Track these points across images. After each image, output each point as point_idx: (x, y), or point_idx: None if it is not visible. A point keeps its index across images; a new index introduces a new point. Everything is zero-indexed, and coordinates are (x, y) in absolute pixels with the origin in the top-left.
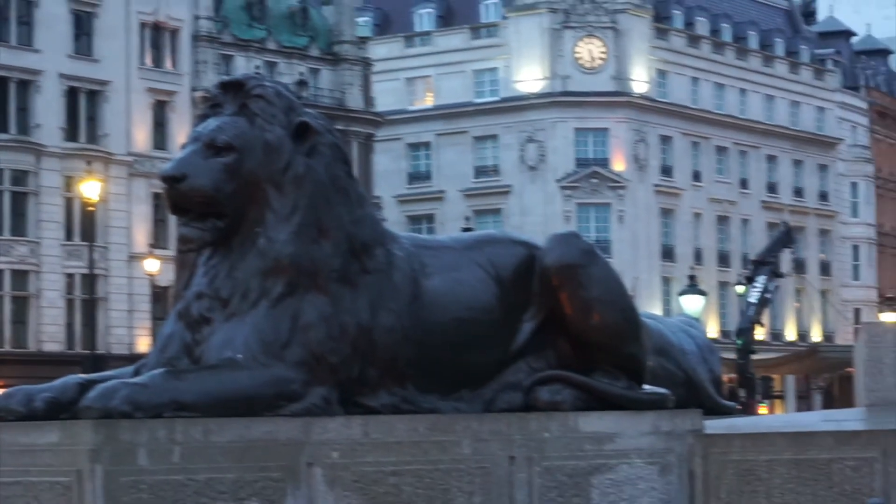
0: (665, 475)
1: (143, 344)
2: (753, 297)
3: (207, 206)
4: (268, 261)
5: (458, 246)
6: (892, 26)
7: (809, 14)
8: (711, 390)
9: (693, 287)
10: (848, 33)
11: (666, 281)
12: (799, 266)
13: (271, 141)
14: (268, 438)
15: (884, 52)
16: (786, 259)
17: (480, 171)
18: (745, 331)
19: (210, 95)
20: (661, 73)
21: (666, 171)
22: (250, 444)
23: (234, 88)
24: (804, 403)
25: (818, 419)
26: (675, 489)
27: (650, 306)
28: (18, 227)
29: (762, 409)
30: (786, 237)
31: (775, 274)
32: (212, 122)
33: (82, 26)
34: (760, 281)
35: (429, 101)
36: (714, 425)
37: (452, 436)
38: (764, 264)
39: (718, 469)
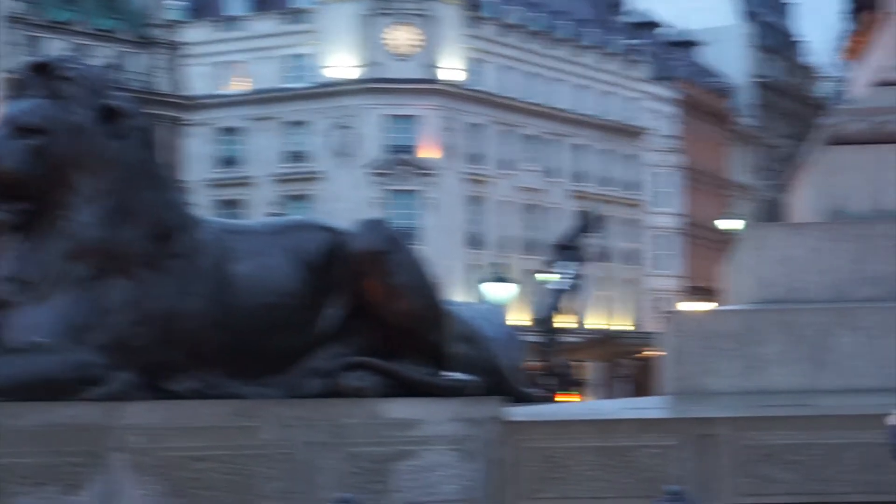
0: (468, 462)
1: None
2: (557, 284)
3: (14, 189)
4: (73, 244)
5: (265, 231)
6: (701, 18)
7: (620, 4)
8: (515, 378)
9: (499, 275)
10: (658, 24)
11: (474, 269)
12: (606, 255)
13: (79, 123)
14: (70, 423)
15: (693, 44)
16: (593, 247)
17: (291, 157)
18: (549, 318)
19: (18, 77)
20: (473, 62)
21: (475, 158)
22: (52, 428)
23: (42, 70)
24: (609, 391)
25: (622, 407)
26: (478, 476)
27: (458, 294)
28: None
29: (568, 397)
30: (587, 222)
31: (579, 260)
32: (19, 105)
33: None
34: (563, 267)
35: (240, 86)
36: (518, 412)
37: (256, 421)
38: (566, 249)
39: (522, 456)
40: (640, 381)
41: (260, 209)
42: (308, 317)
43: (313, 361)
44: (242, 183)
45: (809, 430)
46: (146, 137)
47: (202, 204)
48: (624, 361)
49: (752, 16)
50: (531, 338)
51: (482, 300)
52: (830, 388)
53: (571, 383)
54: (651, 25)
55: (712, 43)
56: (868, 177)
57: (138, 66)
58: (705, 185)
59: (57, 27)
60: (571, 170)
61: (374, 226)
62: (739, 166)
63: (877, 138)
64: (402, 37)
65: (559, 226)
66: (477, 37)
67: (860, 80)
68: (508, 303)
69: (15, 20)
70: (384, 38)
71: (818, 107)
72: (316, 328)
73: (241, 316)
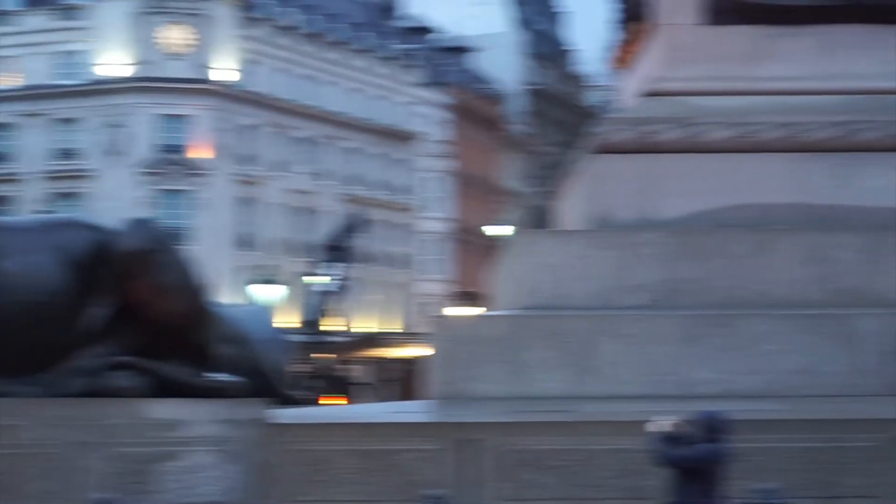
0: (230, 464)
1: None
2: (324, 286)
3: None
4: None
5: (31, 228)
6: (474, 24)
7: (393, 9)
8: (280, 379)
9: (267, 277)
10: (431, 30)
11: (243, 270)
12: (376, 258)
13: None
14: None
15: (466, 50)
16: (363, 251)
17: (61, 154)
18: (316, 320)
19: None
20: (246, 62)
21: (247, 159)
22: None
23: None
24: (377, 394)
25: (386, 410)
26: (240, 478)
27: (226, 295)
28: None
29: (334, 400)
30: (353, 224)
31: (345, 262)
32: None
33: None
34: (329, 268)
35: (10, 82)
36: (282, 414)
37: (16, 419)
38: (332, 250)
39: (284, 458)
40: (407, 385)
41: (29, 206)
42: (72, 315)
43: (77, 360)
44: (11, 179)
45: (570, 436)
46: None
47: None
48: (391, 365)
49: (524, 23)
50: (298, 339)
51: (250, 302)
52: (594, 394)
53: (338, 385)
54: (424, 31)
55: (485, 49)
56: (634, 186)
57: None
58: (476, 190)
59: None
60: (343, 173)
61: (141, 225)
62: (510, 173)
63: (643, 148)
64: (175, 36)
65: (329, 228)
66: (251, 38)
67: (629, 90)
68: (276, 304)
69: None
70: (157, 37)
71: (588, 115)
72: (80, 327)
73: (2, 313)
